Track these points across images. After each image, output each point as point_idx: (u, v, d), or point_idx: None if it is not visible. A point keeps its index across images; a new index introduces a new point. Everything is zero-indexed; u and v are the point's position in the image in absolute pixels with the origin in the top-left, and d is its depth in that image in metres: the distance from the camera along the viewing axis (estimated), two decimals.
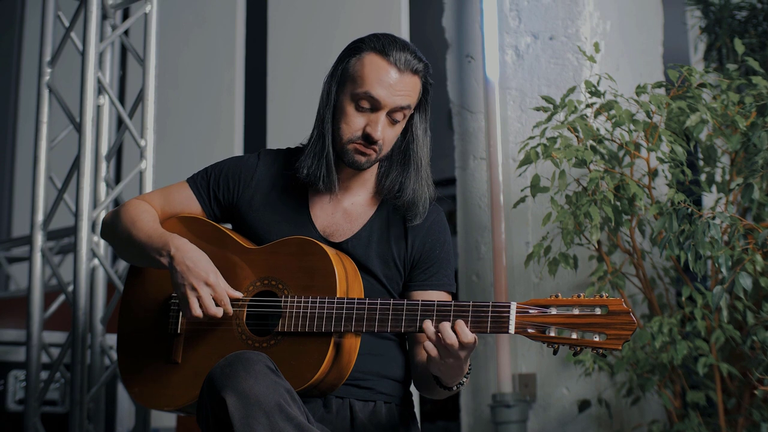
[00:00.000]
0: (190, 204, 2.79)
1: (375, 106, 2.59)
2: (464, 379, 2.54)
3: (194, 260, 2.54)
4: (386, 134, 2.62)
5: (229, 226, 2.79)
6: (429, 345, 2.40)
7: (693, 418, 3.57)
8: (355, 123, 2.60)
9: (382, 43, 2.62)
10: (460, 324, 2.37)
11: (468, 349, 2.39)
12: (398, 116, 2.62)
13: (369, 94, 2.58)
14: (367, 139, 2.59)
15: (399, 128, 2.66)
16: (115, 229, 2.75)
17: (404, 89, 2.60)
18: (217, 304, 2.52)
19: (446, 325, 2.37)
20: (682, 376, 3.70)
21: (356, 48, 2.66)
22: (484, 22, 4.45)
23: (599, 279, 3.63)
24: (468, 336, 2.36)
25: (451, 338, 2.36)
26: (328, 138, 2.65)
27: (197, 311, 2.51)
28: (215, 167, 2.82)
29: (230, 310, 2.54)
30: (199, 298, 2.51)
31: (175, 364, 2.63)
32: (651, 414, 4.03)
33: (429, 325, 2.40)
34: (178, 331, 2.64)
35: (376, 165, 2.74)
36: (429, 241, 2.72)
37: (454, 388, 2.56)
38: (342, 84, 2.65)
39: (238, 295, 2.55)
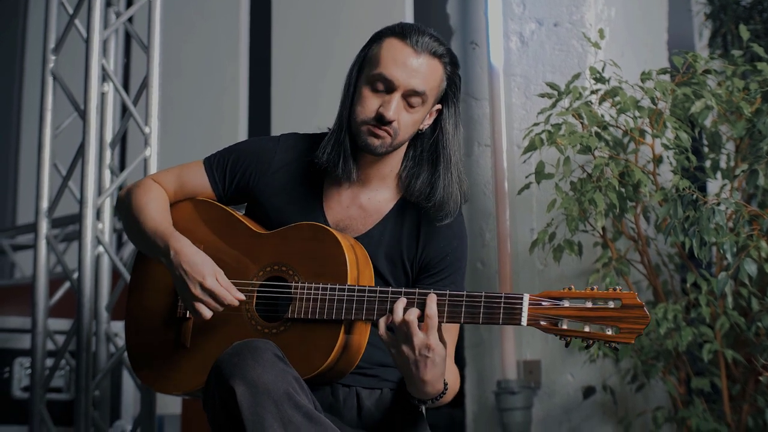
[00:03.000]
0: (203, 187, 2.75)
1: (389, 87, 2.54)
2: (433, 401, 2.48)
3: (191, 264, 2.51)
4: (401, 117, 2.55)
5: (243, 209, 2.78)
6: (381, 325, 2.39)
7: (698, 405, 3.57)
8: (369, 104, 2.55)
9: (402, 28, 2.59)
10: (430, 300, 2.36)
11: (428, 342, 2.35)
12: (415, 101, 2.55)
13: (383, 75, 2.54)
14: (380, 120, 2.53)
15: (417, 116, 2.59)
16: (126, 211, 2.74)
17: (420, 71, 2.55)
18: (221, 303, 2.51)
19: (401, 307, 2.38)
20: (686, 362, 3.71)
21: (378, 34, 2.63)
22: (489, 8, 4.45)
23: (604, 266, 3.63)
24: (432, 309, 2.35)
25: (398, 317, 2.36)
26: (345, 124, 2.61)
27: (206, 315, 2.50)
28: (234, 150, 2.77)
29: (235, 303, 2.52)
30: (203, 302, 2.50)
31: (184, 348, 2.63)
32: (656, 400, 4.03)
33: (398, 307, 2.38)
34: (187, 316, 2.63)
35: (398, 161, 2.68)
36: (442, 246, 2.66)
37: (419, 402, 2.51)
38: (361, 70, 2.62)
39: (240, 296, 2.52)
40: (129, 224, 2.73)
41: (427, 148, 2.67)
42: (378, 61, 2.57)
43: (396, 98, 2.54)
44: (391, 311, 2.38)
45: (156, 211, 2.68)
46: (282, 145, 2.75)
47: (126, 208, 2.73)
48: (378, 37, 2.62)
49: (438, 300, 2.40)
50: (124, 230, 2.85)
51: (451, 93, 2.65)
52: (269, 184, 2.70)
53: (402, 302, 2.38)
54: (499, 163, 4.28)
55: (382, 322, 2.39)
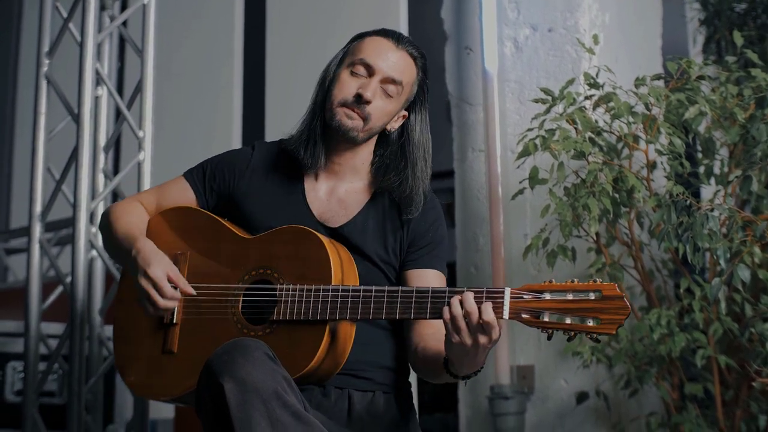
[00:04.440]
0: (185, 197, 2.80)
1: (369, 71, 2.67)
2: (475, 374, 2.51)
3: (144, 258, 2.55)
4: (376, 103, 2.66)
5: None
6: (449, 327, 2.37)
7: (691, 410, 3.57)
8: (348, 86, 2.67)
9: (384, 30, 2.75)
10: (486, 306, 2.35)
11: (488, 335, 2.35)
12: (391, 90, 2.67)
13: (364, 60, 2.67)
14: (358, 99, 2.64)
15: (390, 106, 2.70)
16: (103, 228, 2.81)
17: (399, 63, 2.69)
18: (165, 297, 2.52)
19: (473, 304, 2.35)
20: (680, 368, 3.71)
21: (359, 35, 2.78)
22: (483, 13, 4.45)
23: (597, 271, 3.63)
24: (490, 314, 2.33)
25: (474, 313, 2.33)
26: (319, 110, 2.71)
27: (147, 309, 2.54)
28: (211, 160, 2.84)
29: (176, 296, 2.54)
30: (147, 296, 2.52)
31: (170, 354, 2.63)
32: (649, 406, 4.03)
33: (455, 304, 2.37)
34: (174, 321, 2.64)
35: (368, 154, 2.76)
36: (422, 225, 2.73)
37: (461, 378, 2.52)
38: (341, 62, 2.74)
39: (190, 290, 2.55)
40: (106, 236, 2.80)
41: (394, 151, 2.76)
42: (360, 50, 2.71)
43: (375, 82, 2.67)
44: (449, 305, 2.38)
45: (130, 221, 2.74)
46: (257, 151, 2.83)
47: (105, 222, 2.80)
48: (359, 37, 2.78)
49: (418, 296, 2.43)
50: (103, 245, 2.89)
51: (419, 100, 2.78)
52: (249, 186, 2.76)
53: (457, 301, 2.37)
54: (493, 168, 4.28)
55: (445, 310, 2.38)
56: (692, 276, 3.55)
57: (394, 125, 2.76)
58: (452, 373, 2.51)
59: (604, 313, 2.30)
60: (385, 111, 2.69)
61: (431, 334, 2.63)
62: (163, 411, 4.85)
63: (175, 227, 2.73)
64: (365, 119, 2.66)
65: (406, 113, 2.77)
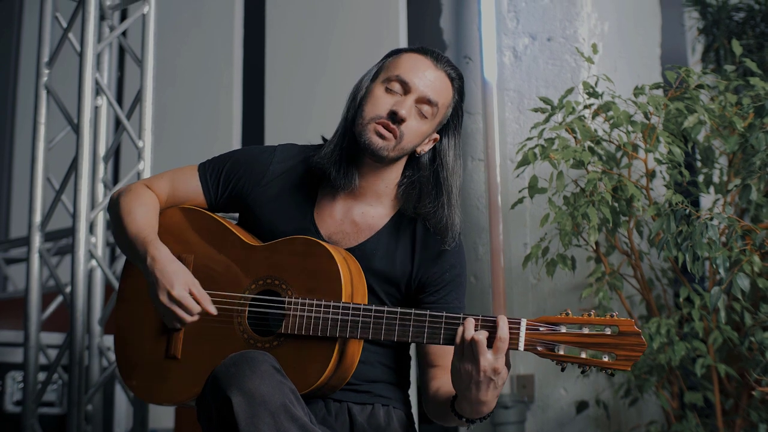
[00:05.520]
0: (196, 194, 2.75)
1: (405, 89, 2.56)
2: (481, 420, 2.48)
3: (163, 272, 2.52)
4: (410, 122, 2.56)
5: (235, 219, 2.78)
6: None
7: (691, 419, 3.57)
8: (382, 103, 2.56)
9: (423, 47, 2.65)
10: (502, 322, 2.34)
11: (497, 356, 2.33)
12: (426, 111, 2.57)
13: (401, 77, 2.57)
14: (393, 117, 2.54)
15: (424, 128, 2.60)
16: (113, 214, 2.74)
17: (436, 84, 2.58)
18: (192, 315, 2.51)
19: (482, 333, 2.33)
20: (679, 377, 3.71)
21: (397, 50, 2.68)
22: (482, 23, 4.45)
23: (597, 280, 3.63)
24: (504, 332, 2.32)
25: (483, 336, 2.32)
26: (350, 128, 2.61)
27: (172, 324, 2.54)
28: (229, 157, 2.77)
29: (199, 310, 2.52)
30: (170, 313, 2.51)
31: (174, 359, 2.61)
32: (649, 415, 4.03)
33: (469, 325, 2.35)
34: (177, 326, 2.63)
35: (395, 179, 2.67)
36: (438, 264, 2.66)
37: (465, 420, 2.49)
38: (375, 77, 2.64)
39: (212, 310, 2.53)
40: (116, 227, 2.73)
41: (428, 177, 2.66)
42: (396, 66, 2.60)
43: (410, 100, 2.56)
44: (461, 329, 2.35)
45: (142, 216, 2.67)
46: (278, 156, 2.74)
47: (115, 211, 2.73)
48: (396, 52, 2.67)
49: (432, 320, 2.40)
50: (112, 233, 2.84)
51: (453, 124, 2.68)
52: (263, 193, 2.70)
53: (471, 322, 2.36)
54: (492, 177, 4.28)
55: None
56: (692, 285, 3.55)
57: (425, 148, 2.66)
58: (457, 412, 2.48)
59: (620, 349, 2.29)
60: (418, 132, 2.59)
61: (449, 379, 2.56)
62: (162, 420, 4.85)
63: (181, 229, 2.70)
64: (398, 138, 2.56)
65: (437, 136, 2.67)
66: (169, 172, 2.83)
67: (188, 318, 2.50)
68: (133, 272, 2.76)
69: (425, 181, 2.65)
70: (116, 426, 4.54)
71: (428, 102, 2.57)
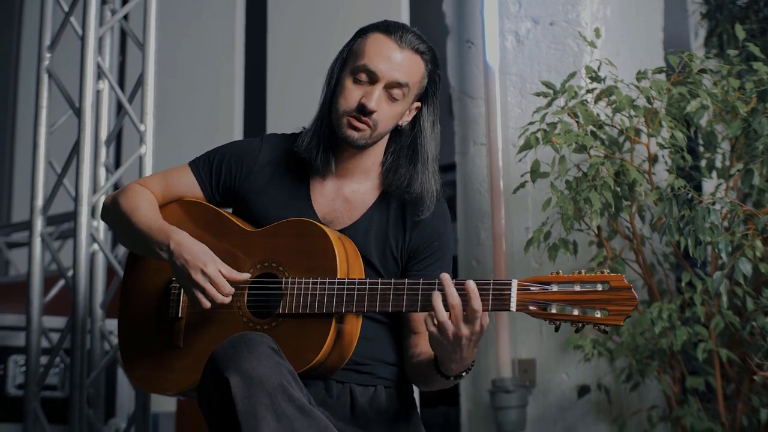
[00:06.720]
0: (191, 189, 2.78)
1: (372, 78, 2.59)
2: (465, 372, 2.50)
3: (192, 253, 2.54)
4: (382, 109, 2.60)
5: (230, 210, 2.79)
6: (430, 321, 2.37)
7: (692, 404, 3.57)
8: (351, 96, 2.60)
9: (386, 24, 2.66)
10: (470, 286, 2.34)
11: (473, 324, 2.34)
12: (396, 93, 2.60)
13: (366, 66, 2.59)
14: (362, 111, 2.58)
15: (398, 109, 2.64)
16: (115, 215, 2.75)
17: (404, 65, 2.61)
18: (223, 293, 2.53)
19: (452, 289, 2.35)
20: (681, 361, 3.71)
21: (363, 30, 2.70)
22: (485, 7, 4.44)
23: (599, 264, 3.63)
24: (477, 302, 2.32)
25: (455, 298, 2.34)
26: (326, 116, 2.66)
27: (205, 304, 2.53)
28: (217, 151, 2.81)
29: (232, 291, 2.54)
30: (203, 291, 2.51)
31: (177, 349, 2.63)
32: (650, 400, 4.03)
33: (436, 297, 2.37)
34: (179, 315, 2.64)
35: (379, 154, 2.72)
36: (427, 232, 2.69)
37: (452, 378, 2.50)
38: (344, 63, 2.67)
39: (244, 276, 2.55)
40: (120, 228, 2.75)
41: (406, 144, 2.71)
42: (362, 53, 2.62)
43: (378, 89, 2.59)
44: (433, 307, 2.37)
45: (148, 209, 2.70)
46: (265, 145, 2.78)
47: (114, 213, 2.75)
48: (362, 32, 2.69)
49: (409, 286, 2.43)
50: (114, 234, 2.85)
51: (431, 91, 2.72)
52: (255, 181, 2.73)
53: (438, 296, 2.37)
54: (494, 161, 4.28)
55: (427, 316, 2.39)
56: (694, 269, 3.55)
57: (407, 119, 2.71)
58: (443, 373, 2.49)
59: (612, 304, 2.31)
60: (392, 115, 2.64)
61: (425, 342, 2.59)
62: (165, 404, 4.85)
63: (179, 221, 2.71)
64: (372, 127, 2.61)
65: (419, 104, 2.71)
66: (159, 172, 2.89)
67: (219, 297, 2.52)
68: (135, 267, 2.79)
69: (402, 151, 2.71)
70: (118, 410, 4.55)
71: (398, 85, 2.61)
